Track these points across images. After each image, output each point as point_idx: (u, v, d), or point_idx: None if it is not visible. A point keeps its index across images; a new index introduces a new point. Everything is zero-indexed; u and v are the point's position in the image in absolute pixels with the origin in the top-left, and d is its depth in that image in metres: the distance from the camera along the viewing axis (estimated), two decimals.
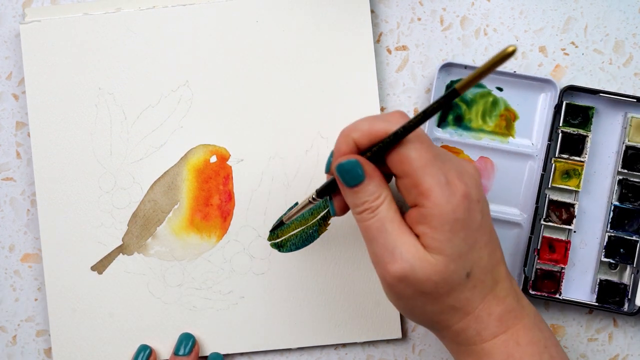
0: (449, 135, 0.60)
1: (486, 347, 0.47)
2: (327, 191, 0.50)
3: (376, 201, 0.46)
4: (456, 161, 0.47)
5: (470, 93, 0.60)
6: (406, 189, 0.45)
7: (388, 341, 0.60)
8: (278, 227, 0.59)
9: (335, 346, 0.60)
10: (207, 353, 0.59)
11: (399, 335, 0.59)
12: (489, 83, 0.60)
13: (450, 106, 0.60)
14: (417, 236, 0.46)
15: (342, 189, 0.47)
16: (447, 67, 0.59)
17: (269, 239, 0.60)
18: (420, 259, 0.45)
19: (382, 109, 0.60)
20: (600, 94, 0.59)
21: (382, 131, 0.45)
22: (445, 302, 0.47)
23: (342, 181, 0.46)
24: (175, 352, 0.58)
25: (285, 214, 0.58)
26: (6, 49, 0.61)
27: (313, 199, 0.52)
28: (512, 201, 0.60)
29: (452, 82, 0.60)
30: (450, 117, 0.60)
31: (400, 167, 0.45)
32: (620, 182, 0.59)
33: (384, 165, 0.47)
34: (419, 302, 0.47)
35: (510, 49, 0.33)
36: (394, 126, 0.45)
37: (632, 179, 0.59)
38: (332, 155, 0.48)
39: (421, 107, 0.61)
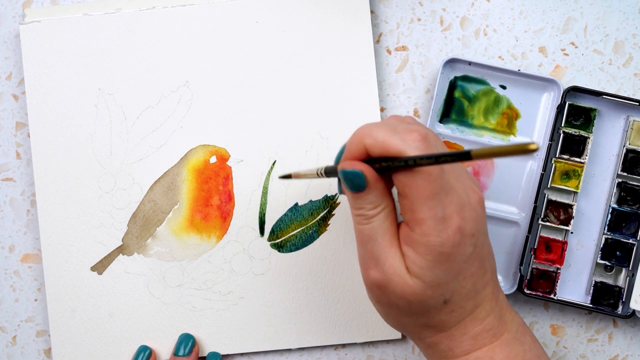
0: (451, 131, 0.60)
1: None
2: (336, 174, 0.50)
3: (373, 210, 0.46)
4: (461, 191, 0.46)
5: (473, 90, 0.60)
6: (403, 207, 0.45)
7: (388, 341, 0.60)
8: (286, 177, 0.57)
9: (335, 346, 0.60)
10: (207, 353, 0.59)
11: (398, 335, 0.60)
12: (493, 81, 0.60)
13: (452, 102, 0.60)
14: (403, 255, 0.46)
15: (344, 188, 0.47)
16: (451, 62, 0.59)
17: (269, 239, 0.60)
18: (399, 276, 0.46)
19: (381, 109, 0.60)
20: (603, 96, 0.59)
21: (394, 149, 0.44)
22: (419, 319, 0.47)
23: (344, 184, 0.47)
24: (175, 353, 0.58)
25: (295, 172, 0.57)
26: (6, 49, 0.61)
27: (321, 174, 0.51)
28: (510, 200, 0.60)
29: (456, 78, 0.60)
30: (453, 114, 0.60)
31: (402, 188, 0.45)
32: (619, 185, 0.59)
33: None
34: (394, 311, 0.48)
35: (533, 147, 0.32)
36: (408, 149, 0.44)
37: (631, 182, 0.59)
38: (343, 147, 0.48)
39: (421, 108, 0.61)
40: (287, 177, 0.56)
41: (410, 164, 0.43)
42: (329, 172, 0.50)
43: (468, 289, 0.47)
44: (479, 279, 0.47)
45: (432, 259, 0.45)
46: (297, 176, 0.55)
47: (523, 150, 0.31)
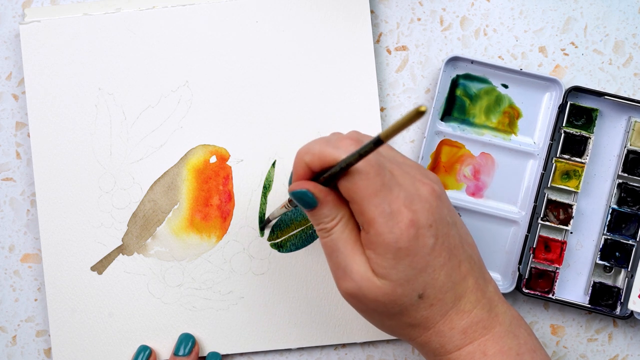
0: (452, 129, 0.60)
1: (452, 358, 0.48)
2: None
3: (330, 223, 0.47)
4: (409, 186, 0.46)
5: (475, 88, 0.60)
6: (355, 212, 0.46)
7: (388, 341, 0.60)
8: (265, 225, 0.60)
9: (335, 346, 0.60)
10: (207, 353, 0.59)
11: None
12: (495, 79, 0.60)
13: (454, 100, 0.60)
14: (367, 259, 0.47)
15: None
16: (453, 61, 0.59)
17: (269, 239, 0.60)
18: (367, 281, 0.46)
19: (382, 109, 0.60)
20: (605, 97, 0.58)
21: (330, 158, 0.45)
22: (400, 320, 0.48)
23: (299, 205, 0.48)
24: (175, 353, 0.58)
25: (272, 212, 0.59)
26: (6, 49, 0.61)
27: (287, 205, 0.53)
28: (511, 198, 0.60)
29: (458, 77, 0.60)
30: (455, 112, 0.60)
31: (348, 194, 0.46)
32: (619, 185, 0.59)
33: None
34: (376, 316, 0.48)
35: (422, 109, 0.36)
36: (342, 154, 0.45)
37: (631, 183, 0.59)
38: (292, 173, 0.49)
39: None
40: (267, 222, 0.59)
41: (343, 167, 0.44)
42: (291, 200, 0.52)
43: (442, 280, 0.47)
44: (453, 270, 0.47)
45: (392, 257, 0.45)
46: (273, 217, 0.58)
47: (416, 114, 0.36)
